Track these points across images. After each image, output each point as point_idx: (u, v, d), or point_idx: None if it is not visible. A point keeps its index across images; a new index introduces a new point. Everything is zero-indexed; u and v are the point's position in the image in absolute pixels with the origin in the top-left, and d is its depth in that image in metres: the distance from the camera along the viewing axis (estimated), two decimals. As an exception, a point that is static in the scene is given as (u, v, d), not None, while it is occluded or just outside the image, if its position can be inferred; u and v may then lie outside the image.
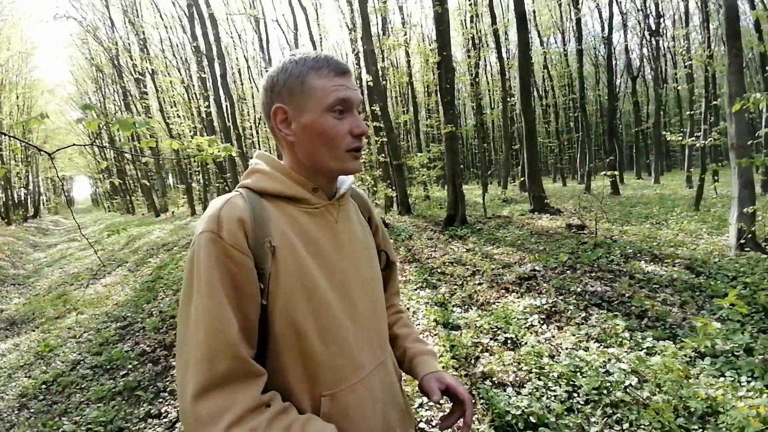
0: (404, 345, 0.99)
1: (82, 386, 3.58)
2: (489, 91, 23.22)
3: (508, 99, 15.04)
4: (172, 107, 17.65)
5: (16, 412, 3.37)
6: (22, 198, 24.12)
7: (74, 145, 2.72)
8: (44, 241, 15.80)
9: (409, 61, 18.18)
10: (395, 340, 1.01)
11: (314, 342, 0.74)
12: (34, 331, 5.45)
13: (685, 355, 2.71)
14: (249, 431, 0.64)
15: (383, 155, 10.39)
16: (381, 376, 0.84)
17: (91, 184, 45.19)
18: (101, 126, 2.34)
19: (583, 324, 3.33)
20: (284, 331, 0.73)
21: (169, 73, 18.26)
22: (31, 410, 3.36)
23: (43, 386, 3.71)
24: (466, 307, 4.00)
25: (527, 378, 2.65)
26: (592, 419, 2.25)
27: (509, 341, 3.19)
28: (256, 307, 0.72)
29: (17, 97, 20.05)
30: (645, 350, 2.85)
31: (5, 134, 2.33)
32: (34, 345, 4.79)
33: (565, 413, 2.29)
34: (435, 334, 3.44)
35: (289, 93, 0.78)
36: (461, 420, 0.89)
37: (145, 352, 4.04)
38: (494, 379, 2.69)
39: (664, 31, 19.45)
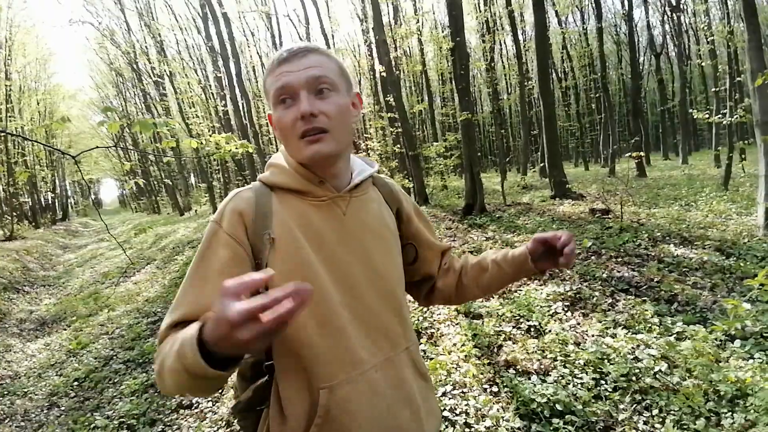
0: (488, 258, 0.97)
1: (115, 381, 3.72)
2: (505, 75, 22.69)
3: (526, 83, 14.67)
4: (191, 108, 17.97)
5: (45, 411, 3.43)
6: (50, 201, 25.04)
7: (97, 147, 2.80)
8: (74, 243, 16.43)
9: (422, 50, 17.92)
10: (478, 264, 0.99)
11: (312, 332, 0.75)
12: (65, 329, 5.62)
13: (716, 339, 2.63)
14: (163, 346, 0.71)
15: (398, 146, 10.33)
16: (387, 372, 0.82)
17: (118, 186, 46.69)
18: (123, 128, 2.39)
19: (609, 310, 3.25)
20: None
21: (186, 75, 18.55)
22: (62, 408, 3.42)
23: (75, 383, 3.82)
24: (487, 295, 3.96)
25: (552, 366, 2.61)
26: (621, 406, 2.20)
27: (532, 329, 3.14)
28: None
29: (38, 103, 20.50)
30: (675, 335, 2.77)
31: (27, 138, 2.42)
32: (66, 343, 4.94)
33: (593, 401, 2.25)
34: (456, 323, 3.42)
35: (266, 98, 0.84)
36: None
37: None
38: (518, 367, 2.66)
39: (685, 7, 18.59)
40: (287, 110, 0.77)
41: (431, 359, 2.86)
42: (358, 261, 0.81)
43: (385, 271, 0.85)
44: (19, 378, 4.22)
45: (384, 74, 9.65)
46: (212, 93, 18.25)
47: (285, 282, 0.73)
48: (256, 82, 22.58)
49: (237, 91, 13.13)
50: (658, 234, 4.81)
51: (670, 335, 2.77)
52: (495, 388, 2.49)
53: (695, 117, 7.55)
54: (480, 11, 15.98)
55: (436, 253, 1.01)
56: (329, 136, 0.77)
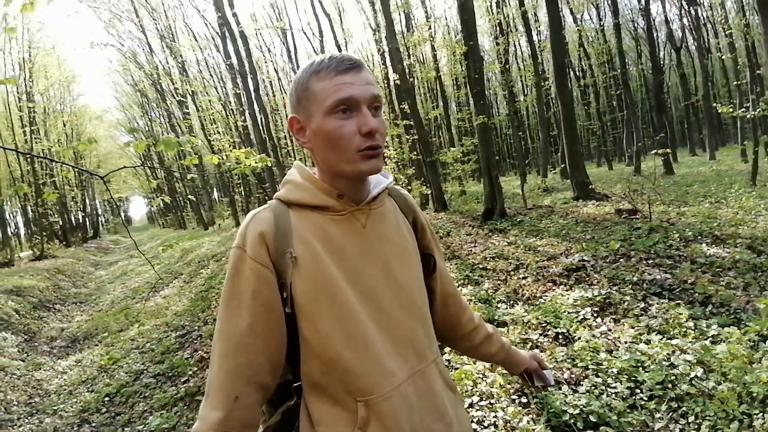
0: (495, 344, 1.06)
1: (146, 395, 3.79)
2: (521, 77, 22.42)
3: (542, 83, 14.47)
4: (212, 125, 18.43)
5: (75, 429, 3.45)
6: (81, 220, 25.95)
7: (124, 167, 2.90)
8: (105, 260, 16.99)
9: (435, 56, 17.94)
10: (489, 338, 1.06)
11: (342, 348, 0.75)
12: (96, 345, 5.73)
13: (749, 340, 2.52)
14: None
15: (415, 153, 10.32)
16: (418, 385, 0.81)
17: (146, 203, 48.25)
18: (148, 147, 2.48)
19: (642, 315, 3.13)
20: (312, 338, 0.76)
21: (207, 93, 19.07)
22: (93, 424, 3.46)
23: (107, 399, 3.87)
24: (511, 302, 3.88)
25: (583, 375, 2.52)
26: (657, 415, 2.11)
27: (560, 336, 3.05)
28: (278, 317, 0.76)
29: (64, 124, 20.76)
30: (710, 339, 2.65)
31: (53, 160, 2.52)
32: (97, 359, 5.03)
33: (628, 410, 2.16)
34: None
35: (298, 102, 0.80)
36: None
37: (204, 359, 4.21)
38: (547, 376, 2.58)
39: (702, 0, 18.16)
40: (346, 121, 0.76)
41: (456, 369, 2.81)
42: (380, 273, 0.80)
43: (406, 282, 0.84)
44: (49, 396, 4.29)
45: (398, 82, 9.69)
46: (232, 109, 18.71)
47: (310, 299, 0.75)
48: (274, 96, 23.06)
49: (255, 106, 13.43)
50: (690, 233, 4.63)
51: (706, 339, 2.65)
52: (524, 399, 2.43)
53: (719, 111, 7.32)
54: (492, 14, 15.87)
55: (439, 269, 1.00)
56: (381, 153, 0.80)
